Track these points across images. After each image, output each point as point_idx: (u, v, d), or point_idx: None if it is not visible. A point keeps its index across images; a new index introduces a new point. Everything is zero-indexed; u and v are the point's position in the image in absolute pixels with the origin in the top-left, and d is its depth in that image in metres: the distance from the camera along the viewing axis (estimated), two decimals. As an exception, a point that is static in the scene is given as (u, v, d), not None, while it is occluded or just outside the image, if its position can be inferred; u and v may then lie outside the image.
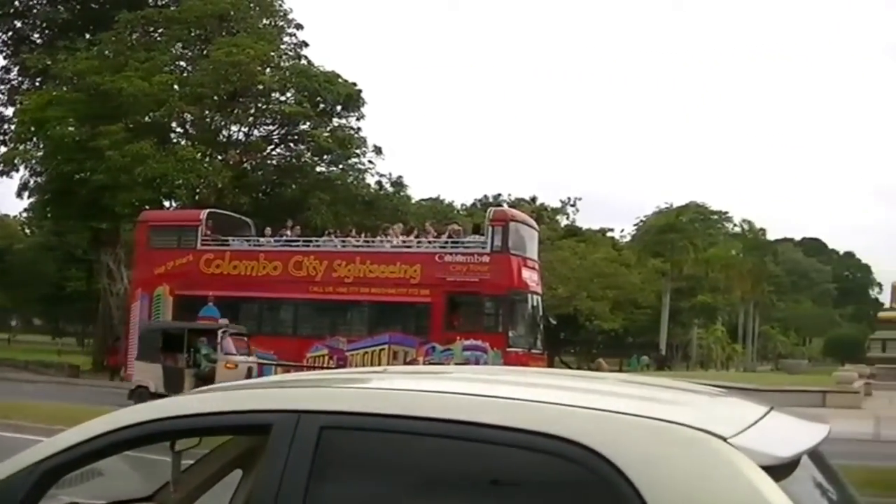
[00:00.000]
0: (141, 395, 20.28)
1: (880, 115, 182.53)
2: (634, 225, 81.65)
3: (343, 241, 27.49)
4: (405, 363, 23.75)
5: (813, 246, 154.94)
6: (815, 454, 2.34)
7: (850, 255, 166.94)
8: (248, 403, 2.34)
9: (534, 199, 67.53)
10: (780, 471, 1.95)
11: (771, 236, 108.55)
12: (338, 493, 2.16)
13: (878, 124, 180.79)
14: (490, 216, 26.49)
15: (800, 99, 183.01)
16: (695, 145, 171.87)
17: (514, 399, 2.16)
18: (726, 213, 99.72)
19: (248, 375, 19.79)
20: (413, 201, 49.38)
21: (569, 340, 63.47)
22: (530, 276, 25.90)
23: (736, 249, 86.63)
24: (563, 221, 67.54)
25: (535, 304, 26.24)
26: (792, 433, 2.29)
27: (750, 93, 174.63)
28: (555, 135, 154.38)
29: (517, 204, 53.91)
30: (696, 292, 76.40)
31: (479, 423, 2.04)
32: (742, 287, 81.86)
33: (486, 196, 69.36)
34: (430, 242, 26.68)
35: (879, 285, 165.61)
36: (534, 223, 28.97)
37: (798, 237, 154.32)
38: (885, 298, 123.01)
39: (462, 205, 69.17)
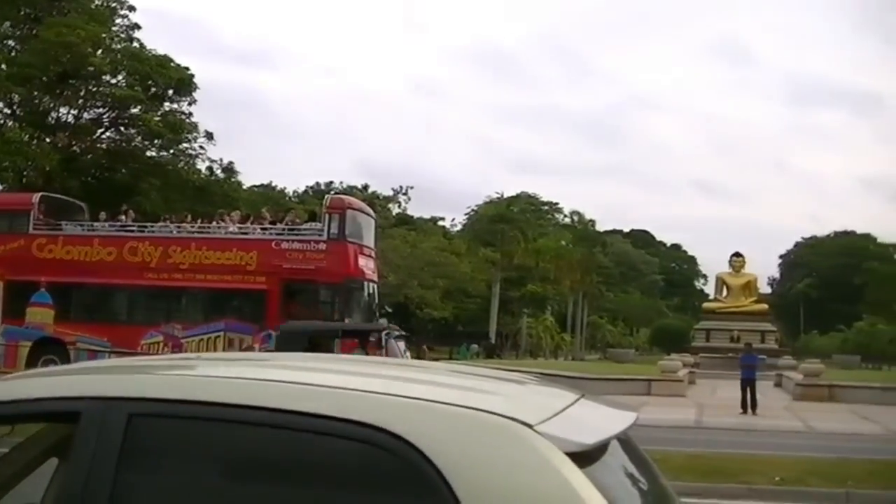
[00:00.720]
0: None
1: (704, 111, 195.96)
2: (465, 214, 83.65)
3: (179, 227, 27.68)
4: (241, 351, 23.29)
5: (641, 237, 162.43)
6: (625, 441, 2.47)
7: (676, 247, 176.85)
8: (56, 390, 2.32)
9: (365, 188, 69.32)
10: (585, 457, 2.02)
11: (600, 227, 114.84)
12: (147, 483, 2.15)
13: (703, 120, 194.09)
14: (327, 203, 26.96)
15: (627, 91, 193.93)
16: (527, 136, 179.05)
17: (326, 387, 2.19)
18: (556, 204, 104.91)
19: None
20: (245, 187, 49.84)
21: (399, 329, 65.50)
22: (367, 264, 26.55)
23: (566, 240, 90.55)
24: (395, 210, 69.36)
25: (371, 291, 27.03)
26: (599, 420, 2.40)
27: (593, 90, 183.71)
28: (387, 123, 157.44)
29: (349, 192, 55.42)
30: (526, 282, 79.24)
31: (290, 410, 2.07)
32: (571, 277, 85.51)
33: (317, 183, 70.73)
34: (265, 229, 26.92)
35: (704, 277, 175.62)
36: (370, 211, 29.54)
37: (627, 229, 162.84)
38: (709, 290, 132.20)
39: (294, 191, 70.23)
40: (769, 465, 14.13)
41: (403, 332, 23.21)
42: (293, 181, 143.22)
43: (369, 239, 27.52)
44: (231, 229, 27.52)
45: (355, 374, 2.60)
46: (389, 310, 32.83)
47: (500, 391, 2.58)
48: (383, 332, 21.30)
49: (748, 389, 26.33)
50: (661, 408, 25.78)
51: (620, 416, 2.53)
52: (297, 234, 26.33)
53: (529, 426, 2.05)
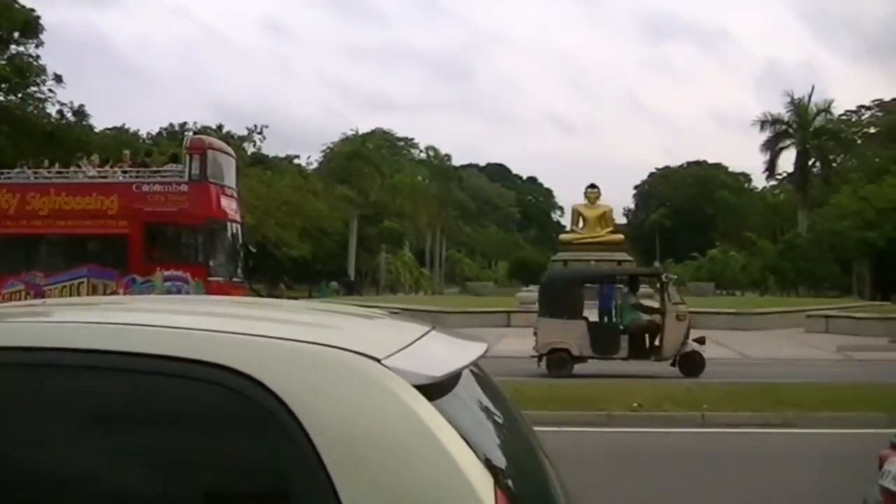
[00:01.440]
0: (561, 360, 19.59)
1: (557, 47, 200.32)
2: (321, 152, 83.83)
3: (36, 174, 27.62)
4: (106, 296, 23.60)
5: (497, 172, 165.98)
6: (477, 373, 2.54)
7: (532, 181, 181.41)
8: None
9: (220, 128, 68.74)
10: (434, 390, 2.06)
11: (456, 162, 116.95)
12: None
13: (556, 56, 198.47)
14: (187, 144, 27.12)
15: (479, 28, 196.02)
16: (380, 75, 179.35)
17: (174, 328, 2.20)
18: (412, 140, 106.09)
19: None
20: (97, 131, 49.24)
21: (257, 269, 65.99)
22: (229, 205, 26.93)
23: (422, 176, 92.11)
24: (250, 150, 69.07)
25: (234, 232, 27.53)
26: (449, 352, 2.45)
27: (445, 27, 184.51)
28: (239, 63, 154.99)
29: (203, 133, 55.41)
30: (384, 218, 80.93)
31: (136, 353, 2.06)
32: (428, 213, 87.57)
33: (171, 125, 69.80)
34: (125, 173, 27.09)
35: (560, 209, 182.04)
36: (231, 151, 29.70)
37: (482, 163, 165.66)
38: (566, 222, 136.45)
39: (148, 134, 69.20)
40: (626, 392, 14.74)
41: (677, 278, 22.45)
42: (146, 123, 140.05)
43: (231, 179, 27.71)
44: (90, 174, 27.55)
45: (206, 314, 2.64)
46: (253, 249, 33.39)
47: (349, 327, 2.69)
48: (663, 276, 21.19)
49: (606, 319, 27.77)
50: (519, 339, 27.27)
51: (471, 347, 2.57)
52: (157, 177, 26.61)
53: (377, 360, 2.08)
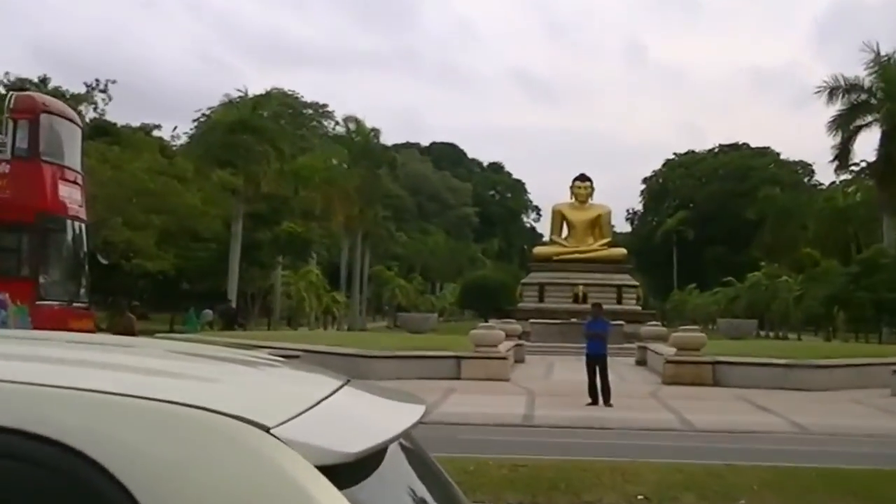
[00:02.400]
0: None
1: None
2: (194, 122, 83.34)
3: None
4: None
5: (446, 154, 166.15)
6: (410, 447, 2.59)
7: (496, 168, 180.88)
8: None
9: (44, 81, 67.93)
10: (347, 472, 2.04)
11: (388, 140, 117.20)
12: None
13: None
14: (10, 105, 26.14)
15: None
16: (279, 14, 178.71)
17: None
18: (325, 107, 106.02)
19: None
20: None
21: (95, 288, 65.00)
22: (71, 195, 26.22)
23: (339, 158, 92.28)
24: (89, 114, 68.46)
25: (77, 234, 26.92)
26: (369, 418, 2.47)
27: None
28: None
29: (20, 87, 54.51)
30: (282, 218, 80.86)
31: None
32: (346, 211, 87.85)
33: (-30, 76, 68.56)
34: None
35: (537, 210, 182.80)
36: (75, 116, 29.01)
37: (425, 142, 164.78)
38: (543, 228, 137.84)
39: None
40: (628, 475, 14.92)
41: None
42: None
43: (74, 157, 27.10)
44: None
45: (14, 357, 2.59)
46: (105, 260, 32.81)
47: (225, 379, 2.69)
48: None
49: (598, 369, 28.07)
50: (473, 397, 28.23)
51: (402, 410, 2.59)
52: (-37, 152, 25.98)
53: (265, 429, 2.06)
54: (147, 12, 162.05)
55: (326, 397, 2.42)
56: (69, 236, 26.63)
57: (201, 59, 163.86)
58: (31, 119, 25.27)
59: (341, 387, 2.59)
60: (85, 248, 27.45)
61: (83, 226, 27.27)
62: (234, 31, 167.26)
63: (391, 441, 2.32)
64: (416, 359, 36.42)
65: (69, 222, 26.31)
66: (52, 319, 22.95)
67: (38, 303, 24.30)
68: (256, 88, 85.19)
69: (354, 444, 2.11)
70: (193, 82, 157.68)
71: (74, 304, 26.06)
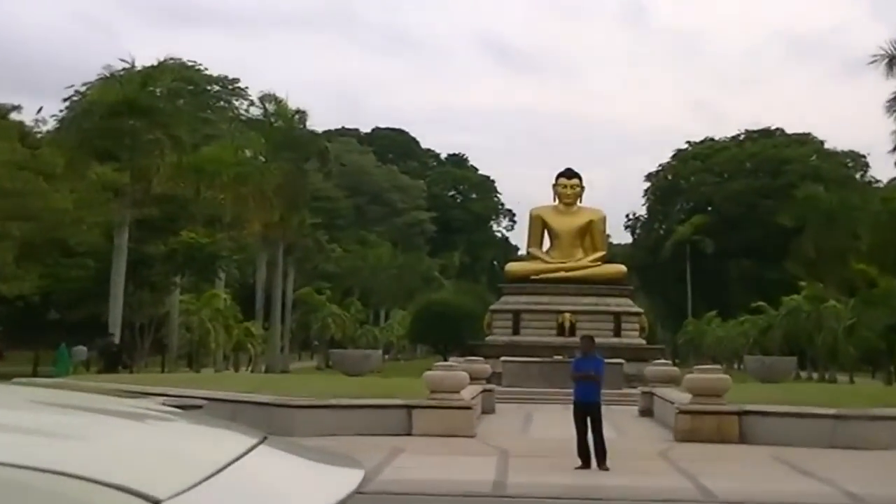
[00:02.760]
0: None
1: None
2: (65, 101, 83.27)
3: None
4: None
5: (393, 143, 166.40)
6: None
7: (458, 161, 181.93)
8: None
9: None
10: None
11: (318, 125, 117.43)
12: None
13: None
14: None
15: None
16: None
17: None
18: (235, 81, 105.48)
19: None
20: None
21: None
22: None
23: (254, 148, 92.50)
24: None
25: None
26: (291, 487, 2.50)
27: None
28: None
29: None
30: (180, 227, 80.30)
31: None
32: (264, 217, 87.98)
33: None
34: None
35: (509, 213, 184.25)
36: None
37: (366, 128, 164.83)
38: (517, 238, 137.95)
39: None
40: None
41: None
42: None
43: None
44: None
45: None
46: None
47: (104, 437, 2.69)
48: None
49: (590, 421, 27.97)
50: (428, 458, 28.25)
51: (333, 476, 2.65)
52: None
53: (154, 502, 2.09)
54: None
55: (234, 460, 2.40)
56: None
57: (75, 18, 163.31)
58: None
59: (255, 446, 2.57)
60: None
61: None
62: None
63: None
64: (354, 409, 36.33)
65: None
66: None
67: None
68: (146, 58, 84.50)
69: None
70: (64, 51, 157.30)
71: None
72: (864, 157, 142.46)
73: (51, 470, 2.06)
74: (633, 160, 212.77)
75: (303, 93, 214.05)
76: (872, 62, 76.76)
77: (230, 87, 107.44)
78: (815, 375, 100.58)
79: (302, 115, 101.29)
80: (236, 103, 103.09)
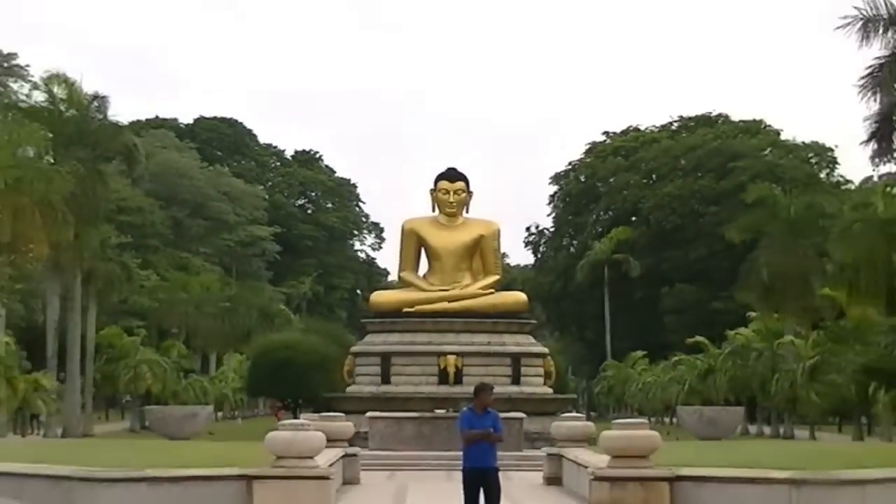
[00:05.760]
0: None
1: None
2: None
3: None
4: None
5: (225, 136, 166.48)
6: None
7: (310, 160, 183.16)
8: None
9: None
10: None
11: (120, 114, 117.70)
12: None
13: None
14: None
15: None
16: None
17: None
18: (12, 57, 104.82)
19: None
20: None
21: None
22: None
23: (38, 144, 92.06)
24: None
25: None
26: None
27: None
28: None
29: None
30: None
31: None
32: (54, 235, 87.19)
33: None
34: None
35: (377, 228, 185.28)
36: None
37: (187, 118, 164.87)
38: (386, 260, 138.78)
39: None
40: None
41: None
42: None
43: None
44: None
45: None
46: None
47: None
48: None
49: (483, 495, 28.68)
50: None
51: None
52: None
53: None
54: None
55: None
56: None
57: None
58: None
59: None
60: None
61: None
62: None
63: None
64: (177, 481, 35.73)
65: None
66: None
67: None
68: None
69: None
70: None
71: None
72: (830, 150, 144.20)
73: None
74: (533, 157, 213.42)
75: (101, 69, 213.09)
76: (842, 27, 76.40)
77: (4, 64, 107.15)
78: (767, 430, 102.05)
79: (101, 101, 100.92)
80: (14, 86, 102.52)
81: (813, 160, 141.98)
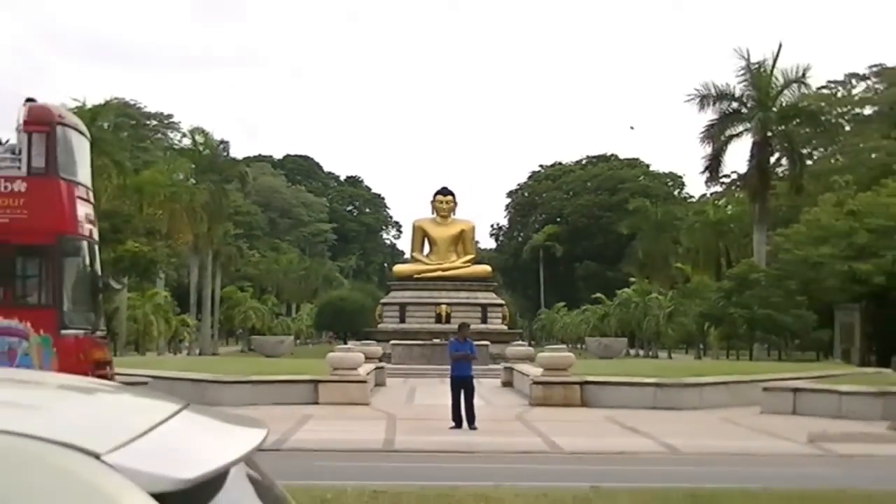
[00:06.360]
0: None
1: None
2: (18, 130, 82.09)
3: None
4: None
5: (300, 167, 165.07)
6: (256, 478, 2.62)
7: (354, 182, 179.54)
8: None
9: None
10: (182, 499, 2.03)
11: (238, 153, 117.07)
12: None
13: None
14: (25, 116, 24.13)
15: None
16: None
17: None
18: (170, 117, 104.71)
19: None
20: None
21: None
22: (86, 213, 24.70)
23: (184, 172, 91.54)
24: None
25: (93, 256, 25.40)
26: (207, 443, 2.46)
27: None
28: None
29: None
30: (124, 237, 78.66)
31: None
32: (194, 228, 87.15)
33: None
34: None
35: (397, 225, 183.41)
36: (84, 128, 26.72)
37: (279, 154, 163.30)
38: (404, 245, 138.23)
39: None
40: (492, 501, 15.27)
41: None
42: None
43: (85, 172, 25.41)
44: None
45: None
46: (118, 285, 31.84)
47: (52, 405, 2.64)
48: None
49: (463, 392, 28.35)
50: (331, 422, 28.43)
51: (243, 435, 2.59)
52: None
53: (94, 455, 2.03)
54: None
55: (161, 422, 2.39)
56: (87, 259, 25.08)
57: (13, 56, 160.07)
58: (48, 132, 23.67)
59: (178, 412, 2.55)
60: (99, 272, 25.82)
61: (97, 247, 25.88)
62: (56, 24, 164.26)
63: (228, 467, 2.30)
64: (270, 384, 36.54)
65: (86, 244, 24.83)
66: (75, 349, 22.57)
67: (61, 332, 22.89)
68: (95, 94, 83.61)
69: (190, 470, 2.08)
70: (9, 83, 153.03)
71: (96, 333, 24.69)
72: (681, 177, 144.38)
73: (4, 431, 2.05)
74: (498, 181, 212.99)
75: (225, 123, 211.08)
76: (688, 100, 75.98)
77: (165, 121, 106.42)
78: (641, 353, 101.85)
79: (225, 144, 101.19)
80: (171, 135, 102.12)
81: (670, 183, 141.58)
